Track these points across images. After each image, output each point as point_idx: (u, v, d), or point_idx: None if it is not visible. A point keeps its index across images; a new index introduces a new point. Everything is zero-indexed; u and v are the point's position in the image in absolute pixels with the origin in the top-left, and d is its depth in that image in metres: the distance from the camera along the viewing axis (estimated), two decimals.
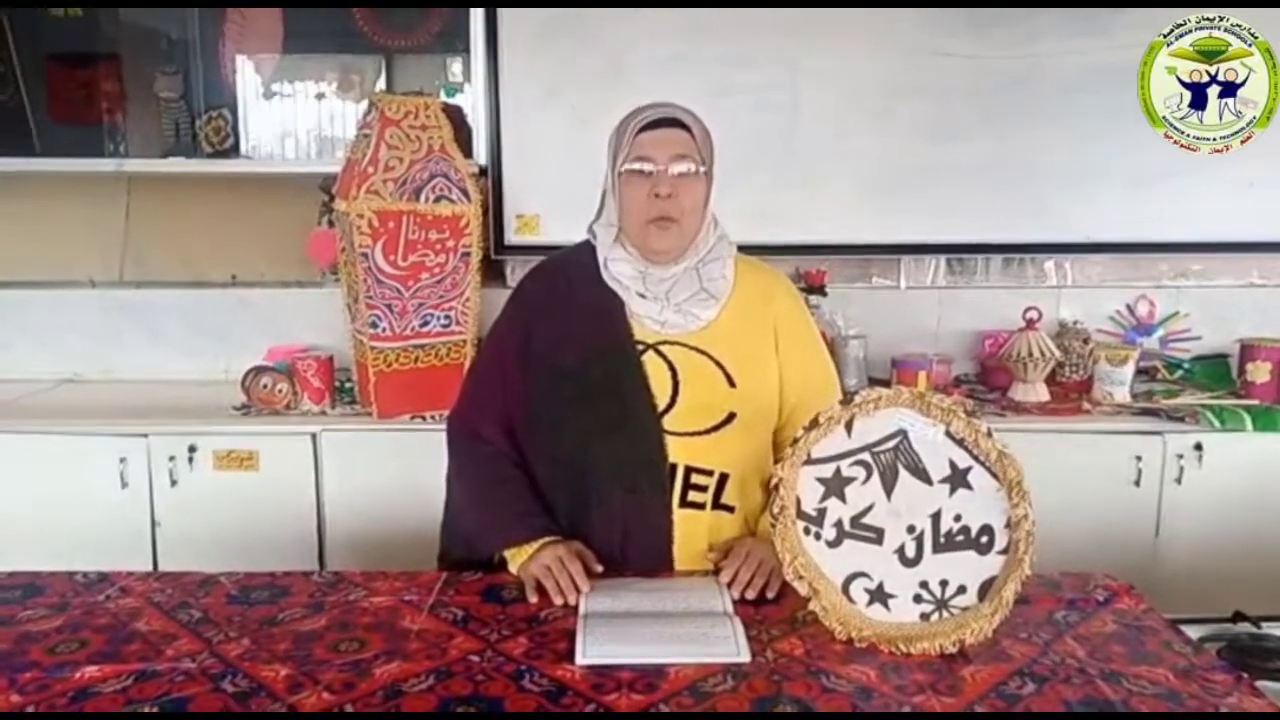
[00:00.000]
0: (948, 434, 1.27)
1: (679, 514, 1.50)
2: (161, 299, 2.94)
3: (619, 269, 1.54)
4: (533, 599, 1.40)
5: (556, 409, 1.53)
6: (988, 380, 2.83)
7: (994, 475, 1.26)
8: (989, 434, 1.26)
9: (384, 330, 2.41)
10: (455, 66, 3.08)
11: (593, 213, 1.63)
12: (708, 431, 1.50)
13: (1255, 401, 2.55)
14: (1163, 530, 2.45)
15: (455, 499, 1.68)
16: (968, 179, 2.82)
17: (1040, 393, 2.62)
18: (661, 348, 1.52)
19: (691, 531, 1.51)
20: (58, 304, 2.95)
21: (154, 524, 2.43)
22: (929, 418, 1.28)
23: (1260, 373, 2.59)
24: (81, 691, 1.15)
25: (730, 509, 1.53)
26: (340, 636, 1.28)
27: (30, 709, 1.11)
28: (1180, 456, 2.42)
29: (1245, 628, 1.47)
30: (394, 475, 2.39)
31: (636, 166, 1.49)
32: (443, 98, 2.92)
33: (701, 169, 1.51)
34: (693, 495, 1.50)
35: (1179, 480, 2.42)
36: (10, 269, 2.99)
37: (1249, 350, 2.64)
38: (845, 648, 1.26)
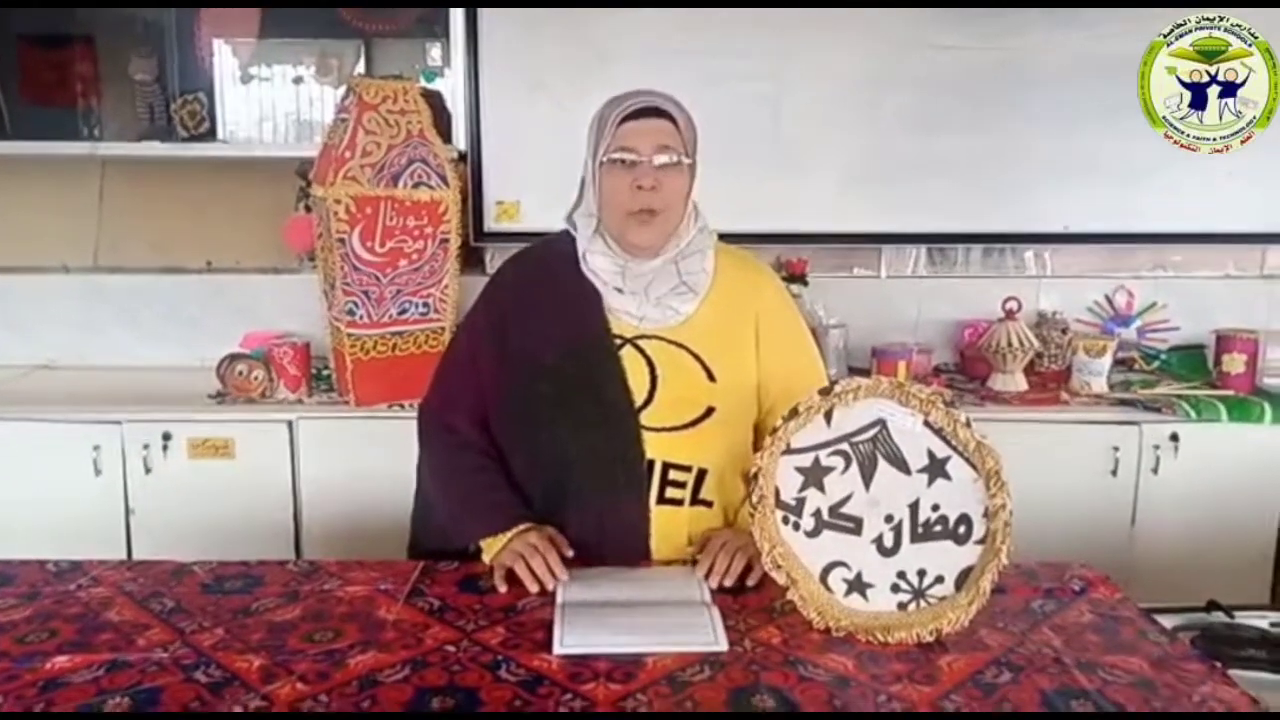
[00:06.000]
0: (926, 424, 1.28)
1: (656, 511, 1.48)
2: (136, 285, 2.91)
3: (597, 263, 1.52)
4: (501, 589, 1.39)
5: (533, 407, 1.51)
6: (967, 370, 2.84)
7: (972, 465, 1.26)
8: (967, 424, 1.26)
9: (361, 318, 2.39)
10: (435, 51, 3.04)
11: (570, 207, 1.60)
12: (686, 426, 1.48)
13: (1230, 392, 2.57)
14: (1139, 520, 2.47)
15: (427, 490, 1.67)
16: (948, 170, 2.83)
17: (1019, 383, 2.64)
18: (639, 342, 1.50)
19: (669, 529, 1.49)
20: (31, 289, 2.91)
21: (128, 512, 2.41)
22: (908, 408, 1.28)
23: (1235, 364, 2.62)
24: (51, 681, 1.13)
25: (709, 504, 1.52)
26: (315, 626, 1.27)
27: None
28: (1157, 447, 2.44)
29: (1219, 617, 1.48)
30: (371, 464, 2.36)
31: (618, 156, 1.46)
32: (422, 82, 2.89)
33: (685, 160, 1.48)
34: (670, 492, 1.48)
35: (1155, 470, 2.44)
36: None
37: (1224, 341, 2.66)
38: (823, 637, 1.26)
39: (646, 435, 1.47)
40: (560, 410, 1.49)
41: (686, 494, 1.49)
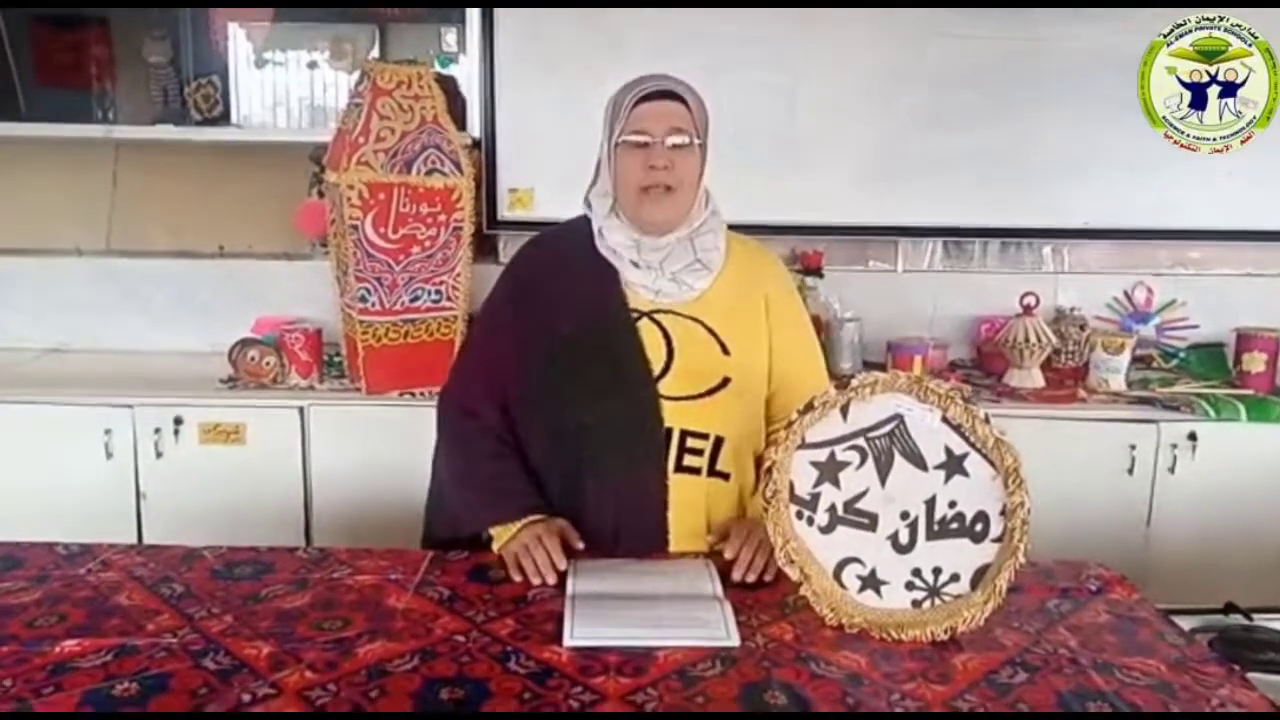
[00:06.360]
0: (944, 420, 1.26)
1: (674, 479, 1.49)
2: (148, 268, 2.90)
3: (614, 238, 1.54)
4: (517, 578, 1.39)
5: (552, 377, 1.52)
6: (983, 365, 2.82)
7: (990, 462, 1.24)
8: (986, 420, 1.24)
9: (373, 304, 2.38)
10: (450, 36, 3.03)
11: (587, 186, 1.62)
12: (702, 395, 1.50)
13: (1250, 392, 2.54)
14: (1155, 519, 2.44)
15: (442, 476, 1.67)
16: (966, 162, 2.80)
17: (1036, 379, 2.61)
18: (656, 315, 1.53)
19: (687, 497, 1.50)
20: (43, 272, 2.90)
21: (139, 496, 2.41)
22: (926, 403, 1.26)
23: (1255, 363, 2.58)
24: (60, 666, 1.13)
25: (725, 476, 1.53)
26: (324, 615, 1.26)
27: (7, 683, 1.09)
28: (1174, 446, 2.41)
29: (1237, 619, 1.46)
30: (382, 451, 2.37)
31: (632, 139, 1.49)
32: (437, 68, 2.88)
33: (697, 142, 1.51)
34: (688, 459, 1.50)
35: (1172, 469, 2.42)
36: None
37: (1245, 340, 2.63)
38: (835, 634, 1.25)
39: (664, 404, 1.49)
40: (579, 379, 1.51)
41: (704, 462, 1.51)
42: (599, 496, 1.50)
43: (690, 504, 1.51)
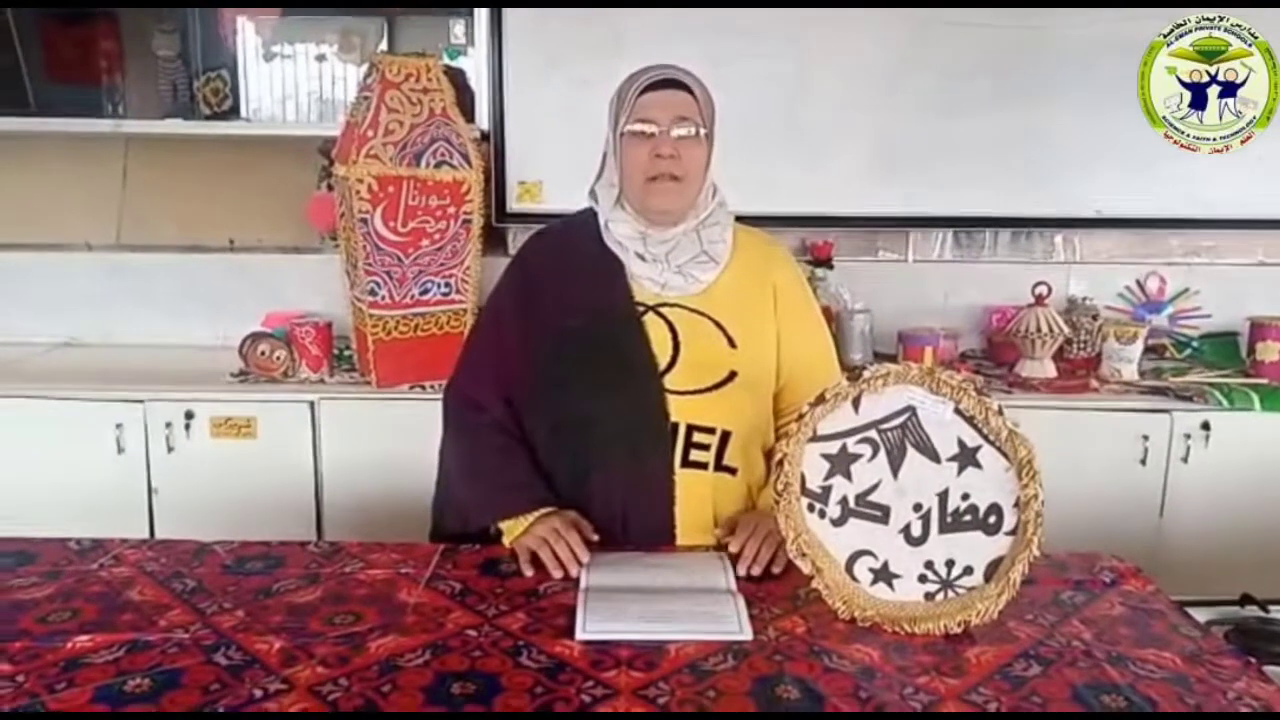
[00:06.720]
0: (957, 412, 1.25)
1: (681, 474, 1.48)
2: (159, 263, 2.90)
3: (619, 230, 1.54)
4: (528, 572, 1.39)
5: (558, 371, 1.52)
6: (995, 356, 2.80)
7: (1004, 454, 1.23)
8: (999, 412, 1.23)
9: (383, 298, 2.38)
10: (458, 28, 3.02)
11: (593, 178, 1.62)
12: (709, 389, 1.49)
13: (1264, 381, 2.53)
14: (1168, 510, 2.43)
15: (449, 470, 1.67)
16: (977, 151, 2.78)
17: (1048, 369, 2.60)
18: (661, 309, 1.52)
19: (694, 493, 1.49)
20: (53, 267, 2.91)
21: (151, 490, 2.42)
22: (938, 395, 1.25)
23: (1270, 352, 2.57)
24: (72, 661, 1.13)
25: (732, 471, 1.52)
26: (335, 609, 1.26)
27: (20, 678, 1.09)
28: (1187, 436, 2.40)
29: (1253, 611, 1.45)
30: (393, 445, 2.36)
31: (638, 128, 1.48)
32: (445, 60, 2.87)
33: (703, 131, 1.50)
34: (695, 455, 1.49)
35: (1185, 459, 2.40)
36: (5, 231, 2.95)
37: (1259, 329, 2.61)
38: (848, 627, 1.24)
39: (670, 399, 1.48)
40: (585, 373, 1.50)
41: (710, 457, 1.50)
42: (605, 491, 1.49)
43: (697, 499, 1.50)
